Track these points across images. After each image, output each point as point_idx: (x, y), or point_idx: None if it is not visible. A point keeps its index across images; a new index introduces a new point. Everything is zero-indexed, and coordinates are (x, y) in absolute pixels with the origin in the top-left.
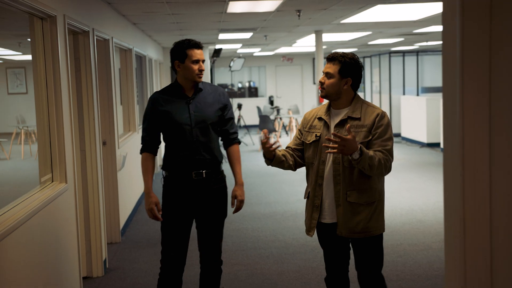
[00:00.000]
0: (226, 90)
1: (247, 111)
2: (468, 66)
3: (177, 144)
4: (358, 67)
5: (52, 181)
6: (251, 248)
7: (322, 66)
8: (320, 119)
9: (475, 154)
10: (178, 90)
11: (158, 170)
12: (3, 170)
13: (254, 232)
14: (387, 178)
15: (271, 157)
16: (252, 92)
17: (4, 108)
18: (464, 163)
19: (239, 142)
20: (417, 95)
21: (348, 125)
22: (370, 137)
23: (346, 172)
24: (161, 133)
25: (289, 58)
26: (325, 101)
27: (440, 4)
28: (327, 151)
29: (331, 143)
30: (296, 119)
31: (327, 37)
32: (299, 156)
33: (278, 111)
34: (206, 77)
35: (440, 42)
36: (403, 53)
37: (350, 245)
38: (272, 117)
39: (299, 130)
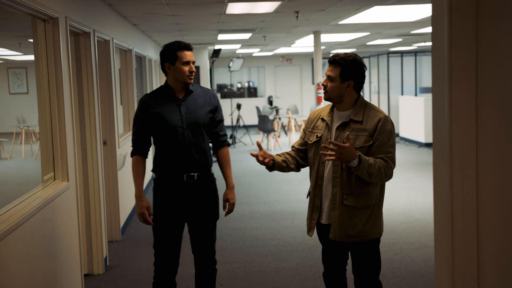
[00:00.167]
0: (225, 90)
1: (246, 111)
2: (456, 66)
3: (168, 146)
4: (360, 69)
5: (54, 180)
6: (250, 247)
7: (320, 66)
8: (323, 120)
9: (462, 150)
10: (168, 92)
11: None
12: (5, 170)
13: (252, 230)
14: None
15: (271, 165)
16: (251, 92)
17: (5, 108)
18: (452, 160)
19: (229, 144)
20: (415, 95)
21: (347, 132)
22: (371, 142)
23: (344, 174)
24: (151, 136)
25: (288, 58)
26: (324, 100)
27: None
28: (325, 158)
29: (328, 150)
30: (295, 119)
31: (325, 37)
32: (302, 157)
33: (277, 111)
34: (205, 78)
35: None
36: (402, 53)
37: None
38: (271, 117)
39: (303, 130)
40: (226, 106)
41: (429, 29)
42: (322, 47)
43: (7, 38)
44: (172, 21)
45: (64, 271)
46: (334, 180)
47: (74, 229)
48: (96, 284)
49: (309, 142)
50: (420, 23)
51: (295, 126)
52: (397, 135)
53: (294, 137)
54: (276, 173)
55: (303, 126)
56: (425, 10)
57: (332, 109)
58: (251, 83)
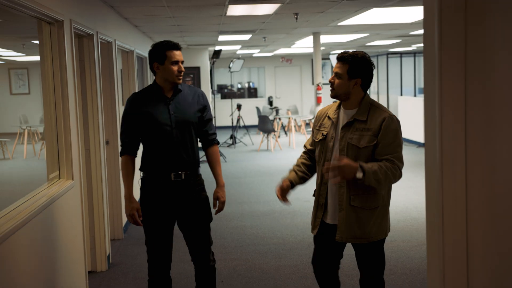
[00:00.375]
0: (225, 90)
1: (246, 112)
2: (446, 68)
3: (156, 145)
4: (368, 67)
5: (59, 178)
6: (250, 245)
7: (320, 67)
8: (329, 118)
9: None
10: (157, 92)
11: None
12: (7, 170)
13: (253, 229)
14: None
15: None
16: (252, 92)
17: (8, 109)
18: (442, 158)
19: (218, 143)
20: (415, 95)
21: (335, 155)
22: (375, 142)
23: None
24: (140, 135)
25: (288, 59)
26: (324, 101)
27: None
28: (332, 181)
29: (329, 173)
30: (295, 119)
31: (325, 38)
32: (312, 158)
33: (277, 111)
34: (206, 78)
35: None
36: (401, 54)
37: (352, 247)
38: (271, 117)
39: (312, 129)
40: (227, 106)
41: None
42: (322, 48)
43: (11, 39)
44: (173, 23)
45: (69, 268)
46: (340, 181)
47: (78, 227)
48: (99, 281)
49: (316, 140)
50: (419, 24)
51: (295, 126)
52: None
53: (294, 137)
54: (276, 173)
55: (303, 126)
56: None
57: (339, 107)
58: (251, 84)
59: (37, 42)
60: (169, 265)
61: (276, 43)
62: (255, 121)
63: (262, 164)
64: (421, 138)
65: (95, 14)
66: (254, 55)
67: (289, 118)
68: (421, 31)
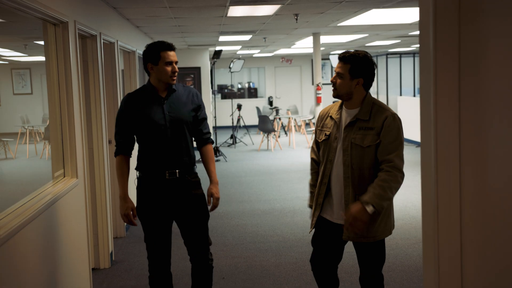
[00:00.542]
0: (226, 91)
1: (246, 112)
2: (440, 68)
3: (151, 144)
4: (369, 66)
5: (64, 176)
6: (251, 242)
7: (320, 67)
8: (331, 118)
9: (446, 147)
10: (151, 92)
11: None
12: (11, 169)
13: (253, 227)
14: None
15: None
16: (252, 93)
17: (10, 109)
18: (437, 157)
19: (212, 142)
20: (414, 96)
21: (342, 213)
22: (379, 141)
23: (356, 175)
24: (134, 135)
25: (288, 59)
26: (323, 101)
27: None
28: (354, 235)
29: (349, 228)
30: (295, 119)
31: (325, 39)
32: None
33: (277, 111)
34: (206, 78)
35: None
36: (400, 54)
37: (353, 246)
38: (271, 117)
39: (315, 129)
40: (227, 106)
41: None
42: (322, 48)
43: (14, 40)
44: (175, 23)
45: (73, 264)
46: (345, 181)
47: (82, 224)
48: (103, 278)
49: (319, 141)
50: (417, 25)
51: (295, 126)
52: None
53: (294, 137)
54: (276, 172)
55: (303, 126)
56: None
57: (341, 107)
58: (251, 84)
59: (39, 42)
60: (169, 262)
61: (276, 44)
62: (255, 121)
63: (262, 164)
64: (419, 138)
65: (98, 15)
66: (254, 56)
67: (289, 118)
68: None
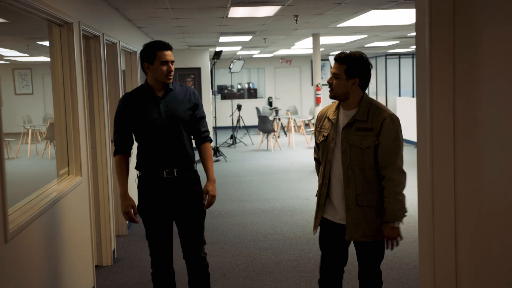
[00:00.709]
0: (226, 91)
1: (246, 112)
2: (435, 69)
3: (148, 143)
4: (365, 66)
5: (69, 174)
6: (251, 240)
7: (319, 68)
8: (329, 119)
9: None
10: (148, 91)
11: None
12: (12, 169)
13: (253, 226)
14: None
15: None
16: (251, 93)
17: (12, 109)
18: (433, 155)
19: (211, 140)
20: (413, 96)
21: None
22: (377, 142)
23: (356, 175)
24: (133, 134)
25: (287, 60)
26: (323, 101)
27: None
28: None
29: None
30: (294, 120)
31: (324, 39)
32: None
33: (276, 112)
34: (207, 79)
35: None
36: (399, 55)
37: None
38: (271, 118)
39: (314, 130)
40: (227, 107)
41: None
42: (321, 49)
43: (16, 40)
44: (175, 24)
45: (77, 261)
46: (345, 182)
47: (86, 222)
48: (106, 275)
49: (318, 142)
50: None
51: (294, 126)
52: None
53: (294, 138)
54: (275, 172)
55: (302, 127)
56: None
57: (338, 108)
58: (251, 84)
59: (40, 43)
60: (171, 258)
61: (276, 44)
62: (255, 121)
63: (262, 164)
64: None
65: (101, 16)
66: (254, 56)
67: (289, 118)
68: None
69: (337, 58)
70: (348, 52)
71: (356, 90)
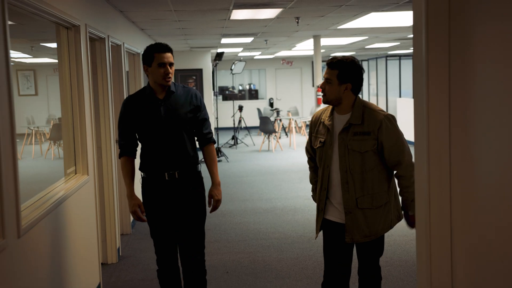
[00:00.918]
0: (227, 92)
1: (247, 113)
2: (432, 70)
3: (150, 146)
4: (357, 71)
5: (76, 173)
6: (253, 239)
7: (320, 69)
8: (324, 125)
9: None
10: (149, 93)
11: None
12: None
13: (255, 225)
14: None
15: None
16: (253, 94)
17: (16, 110)
18: (429, 153)
19: (214, 142)
20: (413, 97)
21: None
22: (377, 145)
23: (355, 178)
24: (136, 136)
25: (288, 61)
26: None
27: None
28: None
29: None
30: (295, 121)
31: (325, 41)
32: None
33: (278, 113)
34: (208, 80)
35: None
36: (399, 56)
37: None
38: (272, 118)
39: (309, 134)
40: (228, 108)
41: None
42: (322, 51)
43: (21, 41)
44: (178, 26)
45: (84, 259)
46: (344, 186)
47: (92, 220)
48: (111, 272)
49: (314, 147)
50: None
51: (295, 127)
52: None
53: (295, 138)
54: (277, 172)
55: (303, 127)
56: None
57: (332, 113)
58: (252, 86)
59: (45, 44)
60: (176, 256)
61: (277, 46)
62: (256, 122)
63: (263, 164)
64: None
65: (106, 18)
66: (255, 57)
67: (290, 119)
68: None
69: (329, 64)
70: (340, 57)
71: (348, 94)
